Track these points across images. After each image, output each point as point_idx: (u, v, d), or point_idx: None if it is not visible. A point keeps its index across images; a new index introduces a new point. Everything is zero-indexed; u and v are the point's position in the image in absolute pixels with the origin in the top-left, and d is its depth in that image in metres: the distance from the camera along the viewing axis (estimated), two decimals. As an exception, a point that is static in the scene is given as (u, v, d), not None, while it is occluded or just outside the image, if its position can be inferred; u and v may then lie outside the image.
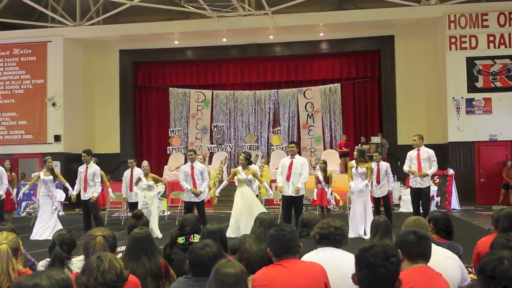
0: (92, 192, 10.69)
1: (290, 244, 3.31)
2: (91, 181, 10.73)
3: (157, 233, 10.17)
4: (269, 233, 3.50)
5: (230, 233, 9.44)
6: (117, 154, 18.75)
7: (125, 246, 4.02)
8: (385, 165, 11.22)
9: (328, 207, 11.70)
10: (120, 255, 3.76)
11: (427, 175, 9.81)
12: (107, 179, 12.07)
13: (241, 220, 9.71)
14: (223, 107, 19.43)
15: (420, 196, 9.84)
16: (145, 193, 10.61)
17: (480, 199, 15.77)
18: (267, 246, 4.07)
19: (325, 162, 11.41)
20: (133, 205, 11.47)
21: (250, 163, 10.79)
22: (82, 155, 10.93)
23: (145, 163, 11.08)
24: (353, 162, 10.06)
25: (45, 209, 10.70)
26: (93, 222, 10.52)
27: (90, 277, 2.62)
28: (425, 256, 3.04)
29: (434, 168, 9.92)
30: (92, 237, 3.53)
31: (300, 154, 18.63)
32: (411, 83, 17.49)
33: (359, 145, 16.99)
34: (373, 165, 11.08)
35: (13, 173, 12.94)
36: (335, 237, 3.66)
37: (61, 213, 11.67)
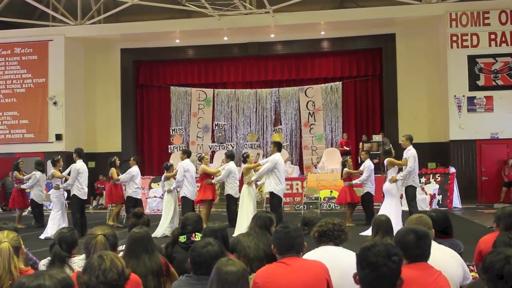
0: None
1: (294, 242, 3.31)
2: None
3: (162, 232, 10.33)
4: (274, 230, 3.52)
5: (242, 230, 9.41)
6: (118, 153, 18.72)
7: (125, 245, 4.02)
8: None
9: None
10: (121, 254, 3.76)
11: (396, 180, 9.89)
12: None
13: (249, 219, 9.70)
14: (224, 106, 19.41)
15: None
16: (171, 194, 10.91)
17: (481, 197, 15.76)
18: (265, 243, 4.08)
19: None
20: (135, 202, 11.62)
21: (245, 161, 11.12)
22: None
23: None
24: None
25: (56, 208, 10.80)
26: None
27: (91, 275, 2.62)
28: (425, 256, 3.04)
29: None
30: (93, 236, 3.53)
31: (301, 152, 18.85)
32: (412, 82, 17.46)
33: (361, 143, 17.01)
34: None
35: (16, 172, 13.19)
36: (334, 233, 3.67)
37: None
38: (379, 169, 14.44)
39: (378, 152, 16.30)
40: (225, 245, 4.07)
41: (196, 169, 11.69)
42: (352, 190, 11.81)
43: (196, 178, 11.46)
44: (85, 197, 10.94)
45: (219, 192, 13.11)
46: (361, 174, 11.68)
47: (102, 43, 18.79)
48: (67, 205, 11.32)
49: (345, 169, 11.87)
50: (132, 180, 12.00)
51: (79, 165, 10.82)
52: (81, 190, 10.74)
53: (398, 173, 10.01)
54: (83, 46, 18.99)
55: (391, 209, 9.46)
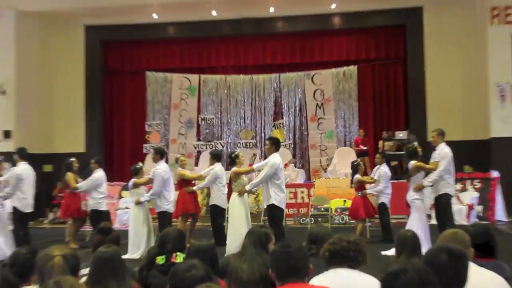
0: None
1: (297, 264, 3.29)
2: None
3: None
4: (271, 250, 3.50)
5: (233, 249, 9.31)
6: (81, 154, 18.64)
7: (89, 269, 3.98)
8: None
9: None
10: (83, 279, 3.72)
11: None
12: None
13: (242, 235, 9.66)
14: (212, 96, 19.46)
15: None
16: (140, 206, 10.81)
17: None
18: (261, 263, 4.05)
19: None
20: (100, 215, 11.47)
21: (233, 163, 11.16)
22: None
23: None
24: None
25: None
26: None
27: (45, 307, 2.57)
28: (460, 281, 3.00)
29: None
30: (49, 257, 3.48)
31: (307, 153, 18.81)
32: (443, 66, 17.50)
33: (380, 142, 17.00)
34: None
35: None
36: (349, 254, 3.65)
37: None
38: (402, 173, 14.43)
39: (399, 153, 16.21)
40: (214, 268, 4.05)
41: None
42: (367, 201, 11.75)
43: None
44: (28, 210, 10.63)
45: (205, 201, 13.05)
46: (375, 181, 11.81)
47: (62, 19, 18.80)
48: (9, 217, 11.13)
49: (356, 176, 11.77)
50: (95, 189, 11.77)
51: (21, 169, 10.57)
52: (23, 201, 10.45)
53: (425, 177, 9.98)
54: (39, 23, 18.96)
55: (416, 223, 9.47)
